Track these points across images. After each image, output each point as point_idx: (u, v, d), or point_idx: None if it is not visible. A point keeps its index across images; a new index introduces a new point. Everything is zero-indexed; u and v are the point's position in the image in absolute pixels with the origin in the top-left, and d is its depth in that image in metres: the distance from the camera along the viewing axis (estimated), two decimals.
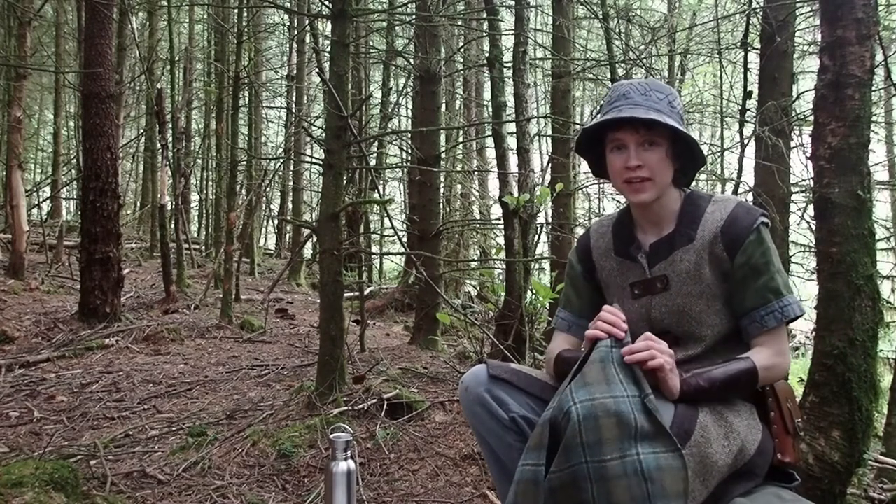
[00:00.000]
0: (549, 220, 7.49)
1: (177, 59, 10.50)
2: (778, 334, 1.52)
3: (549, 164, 7.46)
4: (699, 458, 1.37)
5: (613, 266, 1.68)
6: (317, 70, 9.72)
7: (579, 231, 8.66)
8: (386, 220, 12.48)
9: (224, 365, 5.23)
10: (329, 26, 4.14)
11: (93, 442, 3.36)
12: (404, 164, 9.66)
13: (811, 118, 2.58)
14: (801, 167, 5.58)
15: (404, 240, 6.82)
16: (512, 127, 5.65)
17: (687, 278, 1.55)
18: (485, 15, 5.79)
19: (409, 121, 13.08)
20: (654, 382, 1.40)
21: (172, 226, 9.28)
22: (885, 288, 6.18)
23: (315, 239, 8.06)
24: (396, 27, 9.20)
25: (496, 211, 11.21)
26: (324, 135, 4.27)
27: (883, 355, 5.47)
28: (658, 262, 1.59)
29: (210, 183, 16.26)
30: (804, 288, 6.23)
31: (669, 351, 1.43)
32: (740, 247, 1.51)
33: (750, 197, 5.24)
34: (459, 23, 7.23)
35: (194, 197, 16.84)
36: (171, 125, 8.80)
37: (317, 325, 5.05)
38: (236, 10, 9.32)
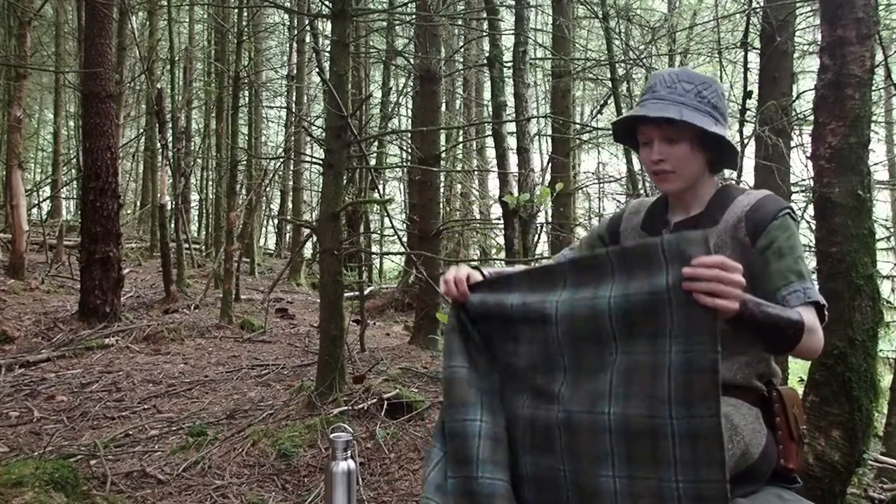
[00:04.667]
0: (549, 219, 7.50)
1: (177, 58, 10.51)
2: (805, 314, 1.39)
3: (549, 164, 7.47)
4: None
5: (636, 240, 1.69)
6: (317, 70, 9.73)
7: (579, 231, 8.67)
8: (386, 219, 12.49)
9: (224, 365, 5.23)
10: (329, 26, 4.14)
11: (93, 442, 3.36)
12: (404, 164, 9.66)
13: (811, 118, 2.58)
14: (801, 167, 5.58)
15: (404, 239, 6.82)
16: (512, 127, 5.65)
17: None
18: (485, 15, 5.80)
19: (409, 121, 13.07)
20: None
21: (172, 225, 9.27)
22: (885, 288, 6.16)
23: (315, 239, 8.06)
24: (396, 27, 9.19)
25: (496, 211, 11.21)
26: (324, 135, 4.28)
27: (883, 355, 5.47)
28: None
29: (210, 183, 16.26)
30: None
31: (736, 271, 1.24)
32: (763, 230, 1.48)
33: None
34: (459, 23, 7.24)
35: (194, 197, 16.85)
36: (171, 125, 8.80)
37: (317, 325, 5.05)
38: (236, 10, 9.32)
